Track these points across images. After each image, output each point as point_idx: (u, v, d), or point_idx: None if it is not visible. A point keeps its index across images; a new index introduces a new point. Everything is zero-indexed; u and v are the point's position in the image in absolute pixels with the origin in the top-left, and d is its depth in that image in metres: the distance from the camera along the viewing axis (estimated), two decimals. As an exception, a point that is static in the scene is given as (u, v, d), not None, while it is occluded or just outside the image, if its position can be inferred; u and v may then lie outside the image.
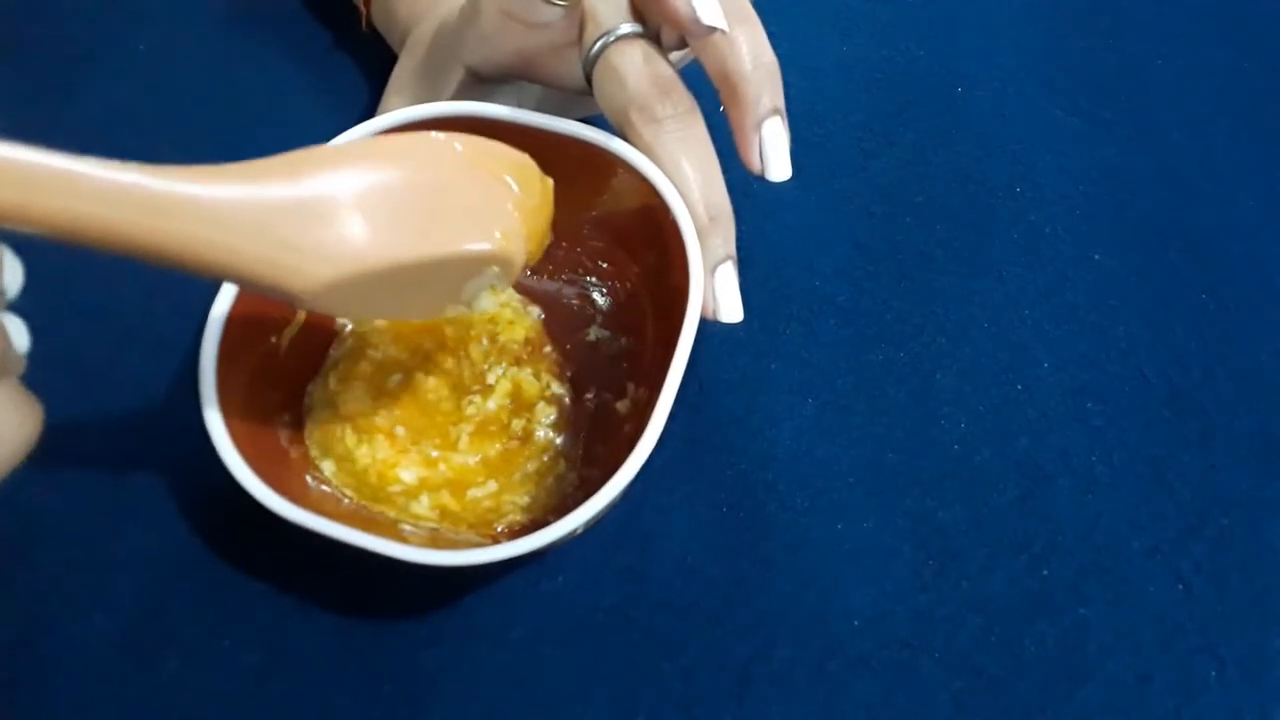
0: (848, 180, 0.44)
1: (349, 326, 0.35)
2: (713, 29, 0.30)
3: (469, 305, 0.30)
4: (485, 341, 0.35)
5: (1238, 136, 0.47)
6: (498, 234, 0.28)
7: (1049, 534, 0.35)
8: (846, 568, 0.34)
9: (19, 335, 0.25)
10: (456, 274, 0.28)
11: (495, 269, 0.29)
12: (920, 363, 0.39)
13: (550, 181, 0.31)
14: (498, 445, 0.34)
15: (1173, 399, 0.39)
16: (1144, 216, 0.44)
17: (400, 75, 0.40)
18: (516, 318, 0.36)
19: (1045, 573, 0.35)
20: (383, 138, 0.28)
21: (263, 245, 0.24)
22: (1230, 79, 0.49)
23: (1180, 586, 0.35)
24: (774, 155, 0.31)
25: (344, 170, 0.26)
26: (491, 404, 0.34)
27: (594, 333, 0.36)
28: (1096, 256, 0.43)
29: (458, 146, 0.28)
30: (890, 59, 0.48)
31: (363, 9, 0.44)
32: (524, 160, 0.30)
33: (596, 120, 0.33)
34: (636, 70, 0.31)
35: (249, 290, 0.26)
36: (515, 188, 0.29)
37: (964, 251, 0.42)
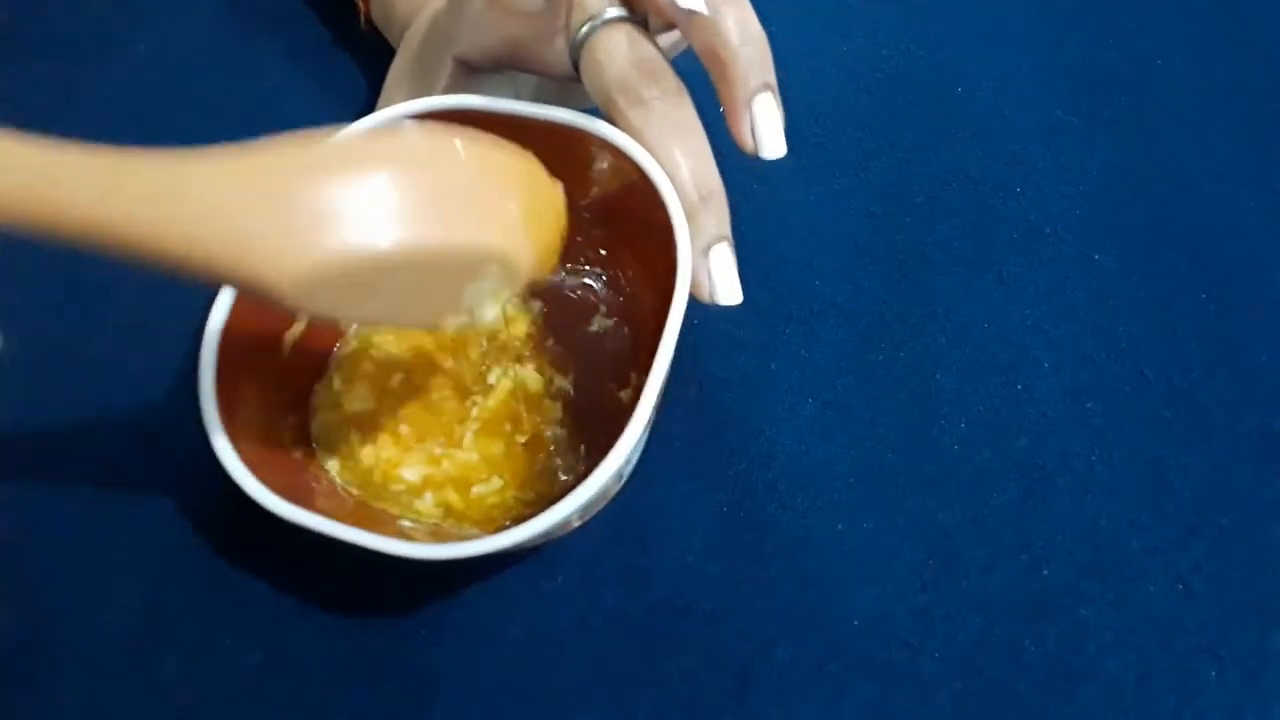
0: (848, 180, 0.44)
1: (354, 326, 0.35)
2: (692, 11, 0.30)
3: (471, 315, 0.28)
4: (484, 342, 0.35)
5: (1238, 136, 0.47)
6: (496, 229, 0.26)
7: (1049, 534, 0.35)
8: (846, 568, 0.34)
9: None
10: (454, 274, 0.27)
11: (495, 269, 0.27)
12: (920, 363, 0.39)
13: (560, 186, 0.30)
14: (501, 444, 0.34)
15: (1173, 399, 0.39)
16: (1144, 216, 0.44)
17: (396, 70, 0.40)
18: (517, 314, 0.36)
19: (1045, 573, 0.35)
20: (380, 131, 0.26)
21: (236, 236, 0.22)
22: (1230, 79, 0.49)
23: (1180, 586, 0.35)
24: (766, 132, 0.31)
25: (331, 158, 0.24)
26: (493, 403, 0.34)
27: (598, 323, 0.36)
28: (1096, 256, 0.43)
29: (458, 143, 0.27)
30: (890, 59, 0.48)
31: (362, 7, 0.44)
32: (529, 162, 0.29)
33: (594, 109, 0.32)
34: (621, 54, 0.30)
35: (227, 285, 0.24)
36: (519, 188, 0.28)
37: (964, 251, 0.42)
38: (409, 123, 0.27)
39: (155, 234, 0.21)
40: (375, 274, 0.25)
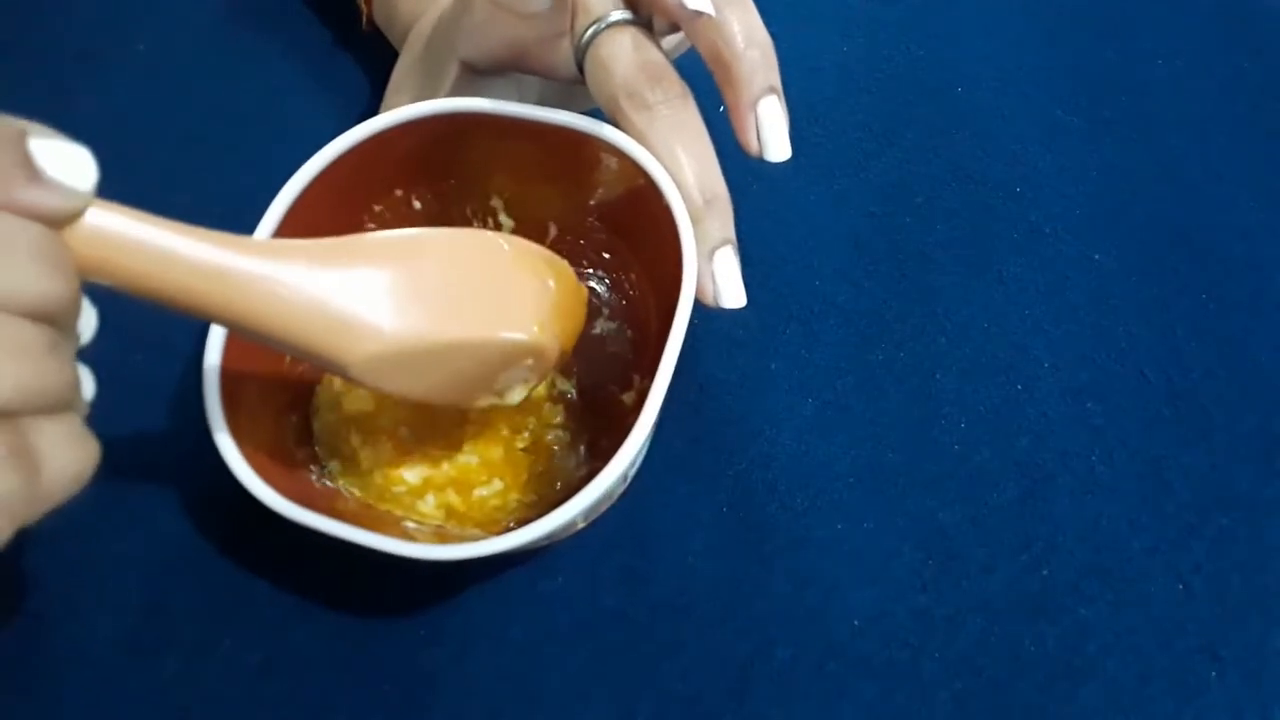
0: (848, 180, 0.44)
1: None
2: (699, 13, 0.30)
3: (500, 396, 0.31)
4: None
5: (1238, 136, 0.47)
6: (535, 328, 0.29)
7: (1049, 534, 0.35)
8: (846, 568, 0.34)
9: (86, 382, 0.26)
10: (493, 363, 0.30)
11: (530, 361, 0.30)
12: (920, 363, 0.39)
13: (584, 290, 0.32)
14: (499, 448, 0.34)
15: (1173, 399, 0.39)
16: (1144, 216, 0.44)
17: (400, 72, 0.40)
18: None
19: (1045, 573, 0.35)
20: (434, 231, 0.30)
21: (317, 320, 0.26)
22: (1230, 79, 0.50)
23: (1180, 586, 0.35)
24: (771, 135, 0.31)
25: (395, 256, 0.28)
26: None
27: (601, 326, 0.36)
28: (1096, 256, 0.43)
29: (504, 245, 0.30)
30: (890, 59, 0.48)
31: (364, 8, 0.44)
32: (563, 265, 0.31)
33: (599, 112, 0.32)
34: (626, 57, 0.30)
35: (301, 359, 0.28)
36: (554, 290, 0.30)
37: (964, 251, 0.42)
38: (456, 230, 0.31)
39: (257, 318, 0.25)
40: (427, 357, 0.28)
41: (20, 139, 0.21)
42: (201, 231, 0.24)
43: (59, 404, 0.22)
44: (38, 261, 0.21)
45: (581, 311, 0.32)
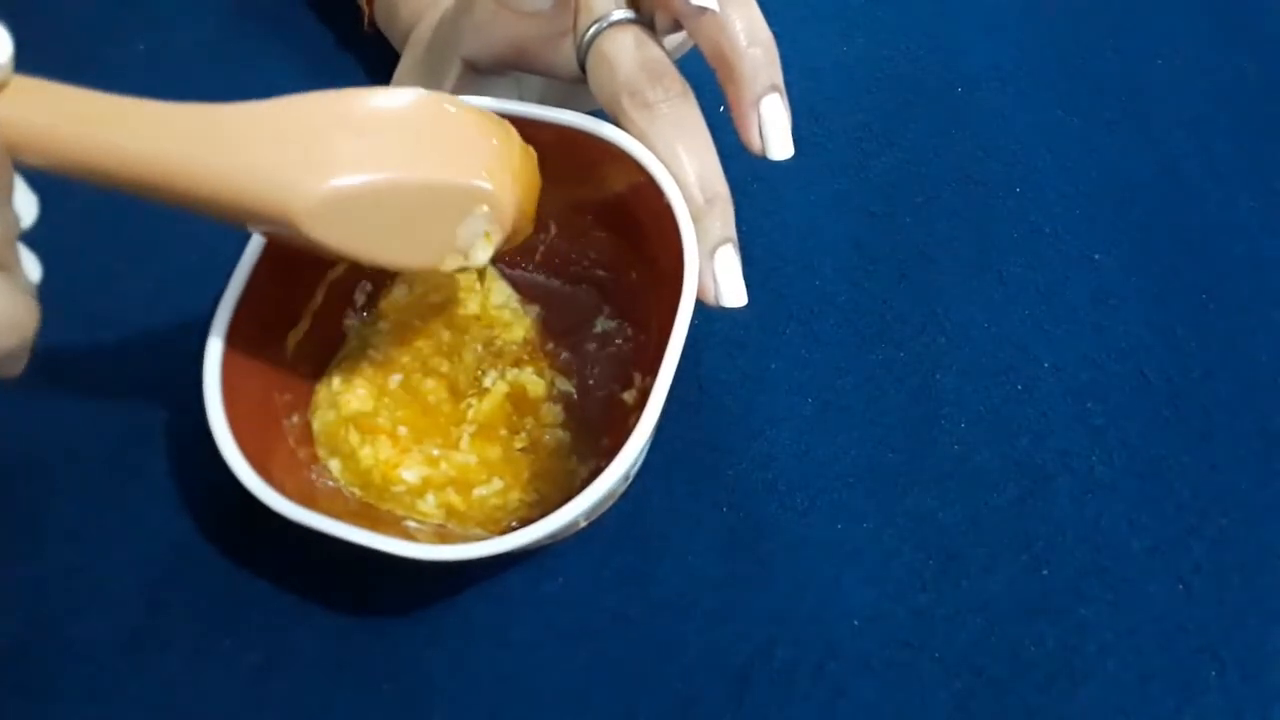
0: (848, 180, 0.44)
1: (355, 326, 0.35)
2: (703, 9, 0.30)
3: (466, 256, 0.30)
4: (480, 348, 0.35)
5: (1238, 136, 0.47)
6: (485, 174, 0.29)
7: (1049, 534, 0.35)
8: (846, 568, 0.34)
9: (31, 266, 0.26)
10: (448, 211, 0.29)
11: (485, 209, 0.29)
12: (920, 363, 0.39)
13: (533, 153, 0.31)
14: (498, 447, 0.34)
15: (1173, 399, 0.39)
16: (1144, 216, 0.44)
17: (401, 73, 0.40)
18: (515, 319, 0.36)
19: (1045, 573, 0.35)
20: (376, 88, 0.29)
21: (261, 169, 0.25)
22: (1230, 79, 0.50)
23: (1180, 586, 0.35)
24: (774, 133, 0.31)
25: (340, 104, 0.28)
26: (487, 407, 0.34)
27: (601, 324, 0.36)
28: (1096, 256, 0.43)
29: (449, 106, 0.29)
30: (890, 59, 0.48)
31: (365, 9, 0.44)
32: (508, 128, 0.31)
33: (601, 112, 0.32)
34: (628, 56, 0.30)
35: (250, 223, 0.27)
36: (502, 145, 0.30)
37: (964, 251, 0.42)
38: (400, 89, 0.30)
39: (194, 170, 0.24)
40: (378, 204, 0.27)
41: None
42: (131, 102, 0.24)
43: None
44: None
45: (535, 173, 0.31)
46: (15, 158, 0.23)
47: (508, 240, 0.30)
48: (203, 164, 0.25)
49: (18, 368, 0.24)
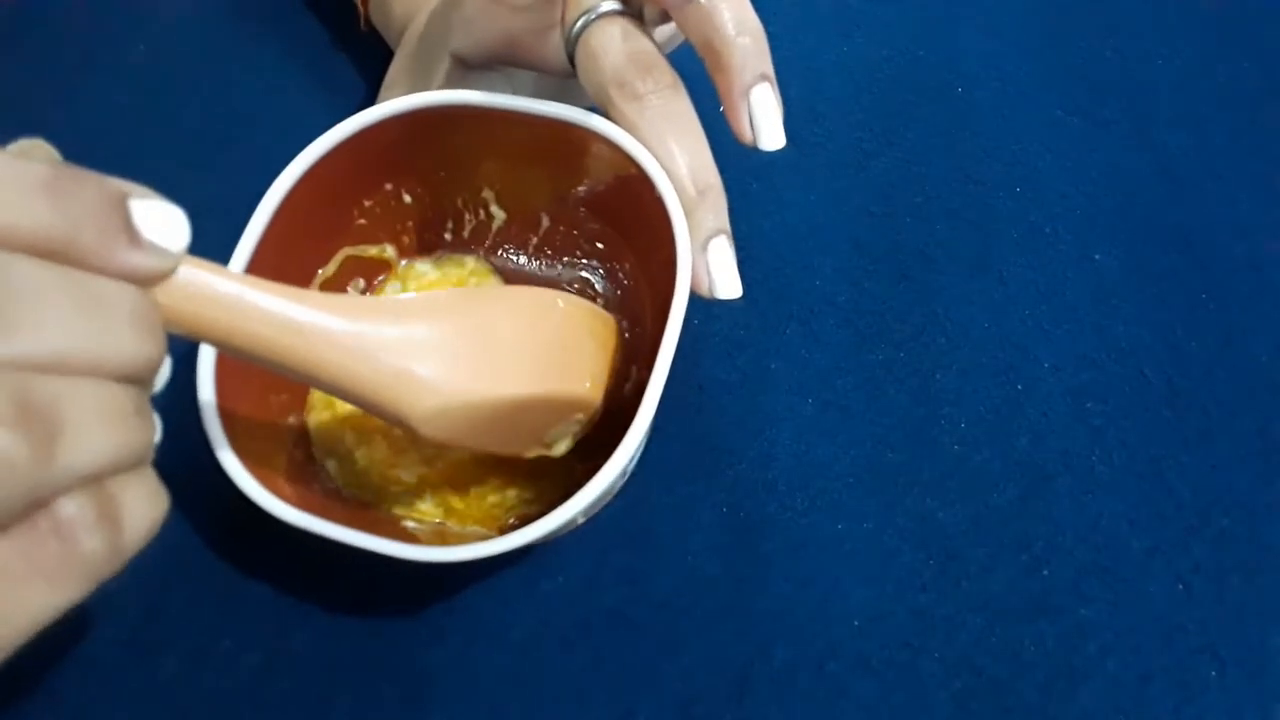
0: (848, 180, 0.44)
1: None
2: (689, 1, 0.29)
3: (548, 447, 0.32)
4: None
5: (1238, 136, 0.47)
6: (588, 384, 0.31)
7: (1049, 534, 0.35)
8: (846, 568, 0.34)
9: (157, 429, 0.26)
10: (548, 417, 0.31)
11: (580, 415, 0.31)
12: (920, 363, 0.39)
13: (616, 329, 0.33)
14: None
15: (1173, 399, 0.39)
16: (1144, 216, 0.44)
17: (394, 69, 0.40)
18: None
19: (1045, 573, 0.35)
20: (497, 289, 0.31)
21: (384, 376, 0.26)
22: (1230, 79, 0.50)
23: (1180, 586, 0.35)
24: (764, 123, 0.30)
25: (460, 313, 0.29)
26: None
27: None
28: (1096, 256, 0.43)
29: (560, 303, 0.31)
30: (890, 59, 0.48)
31: (360, 8, 0.44)
32: (611, 321, 0.33)
33: (592, 106, 0.32)
34: (616, 47, 0.30)
35: (367, 411, 0.28)
36: (603, 346, 0.32)
37: (964, 251, 0.42)
38: (520, 288, 0.32)
39: (334, 376, 0.26)
40: (487, 414, 0.29)
41: (122, 201, 0.21)
42: (279, 287, 0.25)
43: (142, 461, 0.22)
44: (134, 326, 0.21)
45: (619, 348, 0.33)
46: (170, 331, 0.23)
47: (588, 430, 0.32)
48: (344, 358, 0.26)
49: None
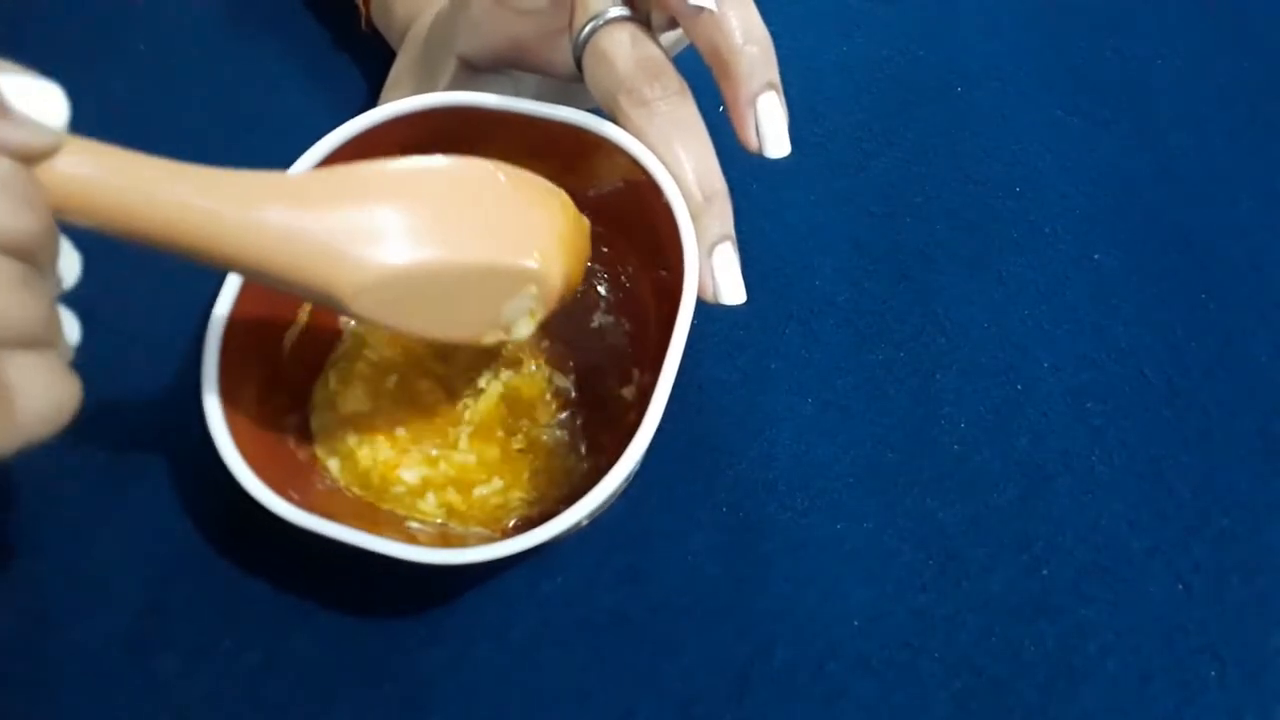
0: (848, 180, 0.44)
1: (351, 325, 0.35)
2: (699, 9, 0.30)
3: (507, 330, 0.30)
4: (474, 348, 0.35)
5: (1238, 136, 0.47)
6: (536, 253, 0.29)
7: (1049, 534, 0.35)
8: (846, 568, 0.34)
9: (70, 327, 0.26)
10: (496, 291, 0.29)
11: (533, 289, 0.29)
12: (920, 363, 0.39)
13: (586, 221, 0.31)
14: (495, 448, 0.34)
15: (1173, 399, 0.39)
16: (1144, 216, 0.44)
17: (398, 70, 0.40)
18: None
19: (1045, 573, 0.35)
20: (430, 158, 0.29)
21: (309, 252, 0.25)
22: (1230, 79, 0.50)
23: (1180, 586, 0.35)
24: (770, 131, 0.30)
25: (388, 185, 0.27)
26: (484, 407, 0.34)
27: (599, 320, 0.36)
28: (1096, 256, 0.43)
29: (500, 175, 0.29)
30: (890, 59, 0.48)
31: (362, 8, 0.44)
32: (562, 194, 0.31)
33: (597, 109, 0.32)
34: (624, 53, 0.30)
35: (299, 295, 0.27)
36: (555, 217, 0.30)
37: (964, 251, 0.42)
38: (451, 158, 0.30)
39: (242, 241, 0.24)
40: (426, 287, 0.27)
41: None
42: (182, 168, 0.24)
43: (33, 339, 0.22)
44: (6, 196, 0.21)
45: (585, 241, 0.31)
46: (61, 219, 0.23)
47: (550, 309, 0.30)
48: (252, 235, 0.25)
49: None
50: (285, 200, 0.25)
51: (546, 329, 0.36)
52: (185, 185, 0.24)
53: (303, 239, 0.25)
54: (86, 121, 0.46)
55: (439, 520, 0.32)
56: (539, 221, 0.29)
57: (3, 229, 0.21)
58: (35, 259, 0.22)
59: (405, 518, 0.32)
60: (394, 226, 0.27)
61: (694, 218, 0.30)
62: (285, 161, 0.32)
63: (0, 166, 0.21)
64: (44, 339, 0.23)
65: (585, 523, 0.29)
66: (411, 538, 0.28)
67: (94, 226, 0.23)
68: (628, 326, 0.35)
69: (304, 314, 0.34)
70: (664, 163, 0.30)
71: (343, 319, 0.35)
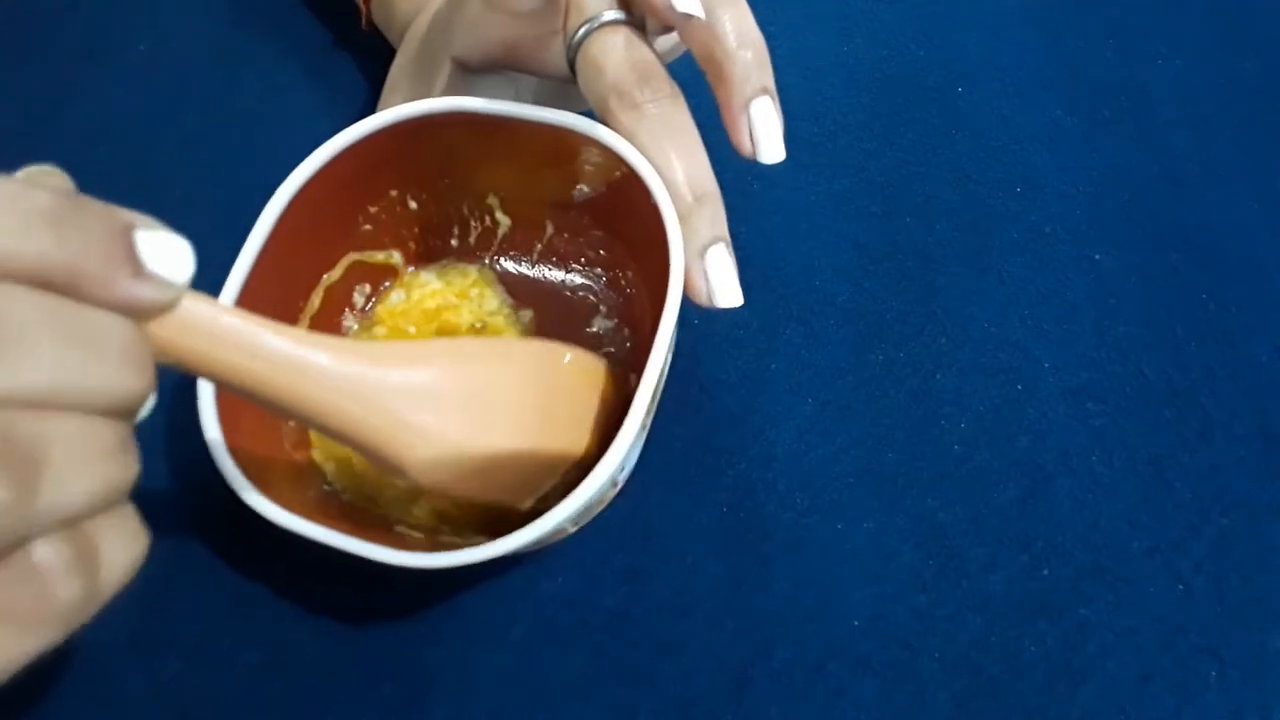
0: (848, 180, 0.44)
1: (350, 329, 0.35)
2: (689, 16, 0.29)
3: (542, 499, 0.31)
4: None
5: (1238, 136, 0.47)
6: (588, 438, 0.30)
7: (1049, 534, 0.35)
8: (846, 568, 0.34)
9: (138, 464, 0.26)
10: (545, 471, 0.30)
11: (573, 469, 0.31)
12: (920, 363, 0.39)
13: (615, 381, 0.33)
14: None
15: (1173, 399, 0.39)
16: (1144, 216, 0.44)
17: (396, 72, 0.40)
18: (508, 325, 0.36)
19: (1045, 573, 0.35)
20: (501, 340, 0.30)
21: (380, 421, 0.26)
22: (1230, 79, 0.50)
23: (1180, 586, 0.35)
24: (764, 136, 0.30)
25: (462, 361, 0.29)
26: None
27: (598, 324, 0.36)
28: (1096, 256, 0.43)
29: (568, 357, 0.31)
30: (890, 59, 0.48)
31: (363, 7, 0.44)
32: (605, 370, 0.33)
33: (591, 111, 0.32)
34: (617, 56, 0.30)
35: (365, 457, 0.28)
36: (601, 399, 0.32)
37: (964, 251, 0.42)
38: (522, 342, 0.32)
39: (331, 419, 0.25)
40: (484, 466, 0.29)
41: (127, 231, 0.20)
42: (279, 326, 0.24)
43: (123, 499, 0.22)
44: (124, 362, 0.20)
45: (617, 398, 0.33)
46: (161, 363, 0.23)
47: None
48: (333, 412, 0.25)
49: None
50: (367, 366, 0.26)
51: (545, 334, 0.36)
52: (281, 346, 0.24)
53: (378, 408, 0.26)
54: (87, 121, 0.46)
55: (431, 525, 0.32)
56: (594, 406, 0.31)
57: (117, 395, 0.20)
58: (133, 415, 0.22)
59: (398, 521, 0.32)
60: (462, 403, 0.28)
61: (683, 219, 0.30)
62: (285, 161, 0.32)
63: (121, 330, 0.20)
64: (128, 496, 0.22)
65: (572, 529, 0.29)
66: (400, 542, 0.28)
67: (183, 370, 0.24)
68: (626, 331, 0.35)
69: (304, 319, 0.34)
70: (654, 165, 0.30)
71: (343, 323, 0.35)
